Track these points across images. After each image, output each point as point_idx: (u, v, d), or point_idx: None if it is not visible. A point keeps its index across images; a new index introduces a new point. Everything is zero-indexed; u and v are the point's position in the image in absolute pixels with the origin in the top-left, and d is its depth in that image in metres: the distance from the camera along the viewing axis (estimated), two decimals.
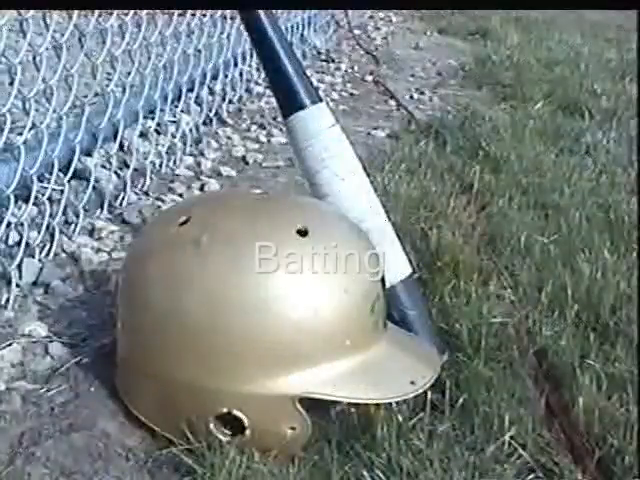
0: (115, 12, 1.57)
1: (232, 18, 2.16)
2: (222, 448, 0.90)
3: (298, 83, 1.12)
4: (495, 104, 2.55)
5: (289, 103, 1.13)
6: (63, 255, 1.36)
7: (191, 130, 1.96)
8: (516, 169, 1.88)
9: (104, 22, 1.56)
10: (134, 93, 1.75)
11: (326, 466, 0.92)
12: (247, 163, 1.94)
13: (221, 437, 0.91)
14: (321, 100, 1.15)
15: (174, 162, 1.84)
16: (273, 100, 1.39)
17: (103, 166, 1.63)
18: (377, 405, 0.97)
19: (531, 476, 0.93)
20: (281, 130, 2.08)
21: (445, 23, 3.95)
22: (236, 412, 0.90)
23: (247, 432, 0.90)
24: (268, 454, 0.91)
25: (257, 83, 2.50)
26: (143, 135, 1.79)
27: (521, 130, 2.19)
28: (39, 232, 1.34)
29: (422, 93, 2.69)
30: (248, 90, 2.44)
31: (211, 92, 2.18)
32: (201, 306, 0.91)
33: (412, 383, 0.94)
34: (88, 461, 0.93)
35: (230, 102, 2.27)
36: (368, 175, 1.18)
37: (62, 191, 1.43)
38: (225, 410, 0.90)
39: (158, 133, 1.86)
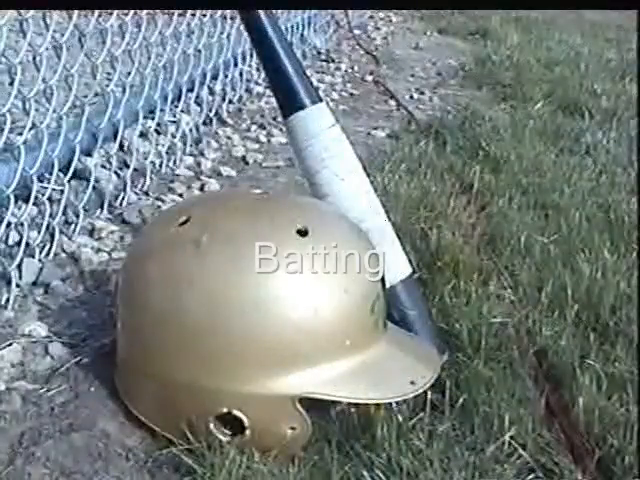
0: (115, 12, 1.57)
1: (232, 18, 2.16)
2: (222, 448, 0.90)
3: (298, 83, 1.12)
4: (495, 104, 2.55)
5: (289, 103, 1.13)
6: (63, 255, 1.36)
7: (191, 130, 1.96)
8: (516, 169, 1.88)
9: (104, 22, 1.56)
10: (134, 93, 1.75)
11: (326, 466, 0.92)
12: (247, 163, 1.94)
13: (221, 437, 0.91)
14: (321, 100, 1.15)
15: (174, 162, 1.84)
16: (273, 100, 1.39)
17: (103, 166, 1.63)
18: (377, 405, 0.97)
19: (531, 476, 0.93)
20: (281, 130, 2.08)
21: (445, 23, 3.96)
22: (236, 412, 0.90)
23: (247, 432, 0.90)
24: (268, 454, 0.91)
25: (257, 83, 2.50)
26: (143, 135, 1.79)
27: (521, 130, 2.19)
28: (39, 232, 1.34)
29: (422, 93, 2.69)
30: (248, 90, 2.44)
31: (211, 92, 2.18)
32: (201, 306, 0.91)
33: (412, 383, 0.94)
34: (88, 461, 0.93)
35: (230, 102, 2.27)
36: (368, 175, 1.18)
37: (62, 191, 1.43)
38: (225, 410, 0.90)
39: (158, 133, 1.86)
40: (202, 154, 1.93)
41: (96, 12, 1.52)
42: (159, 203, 1.63)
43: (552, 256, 1.43)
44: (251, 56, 2.41)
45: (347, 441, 0.95)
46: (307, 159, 1.13)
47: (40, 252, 1.33)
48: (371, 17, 3.99)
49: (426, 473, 0.90)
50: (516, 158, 1.94)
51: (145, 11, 1.74)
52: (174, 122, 1.92)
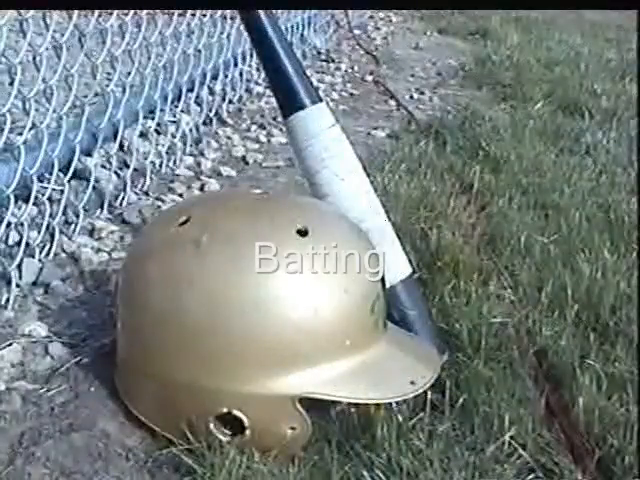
0: (115, 12, 1.57)
1: (232, 18, 2.16)
2: (222, 448, 0.90)
3: (298, 83, 1.12)
4: (495, 104, 2.55)
5: (289, 103, 1.13)
6: (63, 255, 1.36)
7: (191, 130, 1.96)
8: (516, 169, 1.88)
9: (104, 22, 1.56)
10: (134, 93, 1.75)
11: (326, 466, 0.92)
12: (247, 163, 1.94)
13: (221, 437, 0.91)
14: (321, 100, 1.15)
15: (174, 162, 1.84)
16: (273, 100, 1.39)
17: (103, 166, 1.63)
18: (377, 405, 0.97)
19: (531, 476, 0.93)
20: (281, 130, 2.08)
21: (445, 23, 3.96)
22: (236, 412, 0.90)
23: (247, 432, 0.90)
24: (268, 454, 0.91)
25: (257, 83, 2.50)
26: (143, 135, 1.79)
27: (521, 130, 2.19)
28: (39, 232, 1.34)
29: (422, 93, 2.69)
30: (248, 90, 2.44)
31: (211, 92, 2.18)
32: (201, 306, 0.91)
33: (412, 383, 0.94)
34: (88, 461, 0.93)
35: (230, 102, 2.27)
36: (368, 175, 1.18)
37: (62, 191, 1.43)
38: (225, 410, 0.90)
39: (158, 133, 1.86)
40: (202, 154, 1.93)
41: (96, 12, 1.52)
42: (159, 203, 1.63)
43: (552, 256, 1.43)
44: (251, 56, 2.41)
45: (347, 441, 0.95)
46: (307, 159, 1.13)
47: (40, 252, 1.33)
48: (371, 17, 3.99)
49: (426, 473, 0.90)
50: (516, 158, 1.93)
51: (145, 11, 1.74)
52: (174, 122, 1.92)
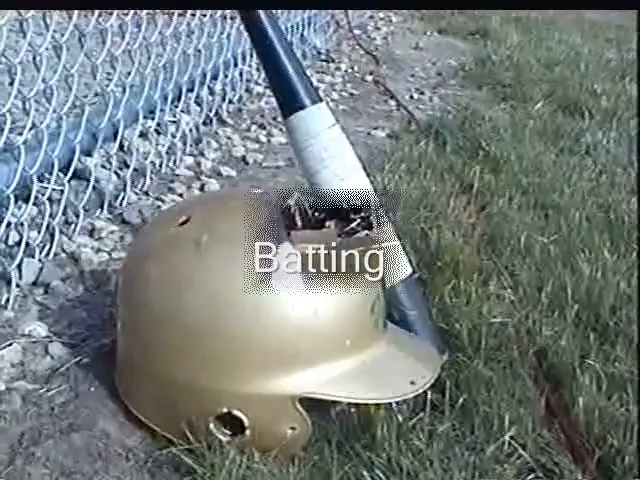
0: (115, 12, 1.57)
1: (232, 18, 2.16)
2: (222, 448, 0.90)
3: (298, 83, 1.12)
4: (495, 104, 2.55)
5: (289, 103, 1.13)
6: (63, 255, 1.37)
7: (191, 130, 1.96)
8: (516, 169, 1.88)
9: (104, 22, 1.56)
10: (134, 93, 1.74)
11: (326, 466, 0.92)
12: (247, 163, 1.94)
13: (221, 437, 0.91)
14: (321, 100, 1.15)
15: (174, 162, 1.84)
16: (273, 100, 1.38)
17: (103, 166, 1.63)
18: (377, 405, 0.97)
19: (531, 476, 0.93)
20: (281, 130, 2.08)
21: (445, 23, 3.95)
22: (236, 412, 0.90)
23: (247, 432, 0.90)
24: (268, 454, 0.91)
25: (257, 83, 2.50)
26: (143, 135, 1.79)
27: (521, 130, 2.19)
28: (39, 232, 1.34)
29: (422, 93, 2.69)
30: (248, 90, 2.44)
31: (211, 92, 2.18)
32: (201, 306, 0.91)
33: (412, 383, 0.94)
34: (88, 461, 0.93)
35: (230, 102, 2.27)
36: (368, 175, 1.18)
37: (62, 191, 1.43)
38: (225, 410, 0.90)
39: (158, 133, 1.86)
40: (202, 154, 1.93)
41: (96, 12, 1.52)
42: (159, 203, 1.63)
43: (552, 256, 1.43)
44: (251, 56, 2.41)
45: (347, 441, 0.95)
46: (307, 159, 1.13)
47: (40, 252, 1.33)
48: (371, 17, 3.98)
49: (426, 473, 0.90)
50: (516, 158, 1.94)
51: (145, 11, 1.74)
52: (174, 122, 1.92)
